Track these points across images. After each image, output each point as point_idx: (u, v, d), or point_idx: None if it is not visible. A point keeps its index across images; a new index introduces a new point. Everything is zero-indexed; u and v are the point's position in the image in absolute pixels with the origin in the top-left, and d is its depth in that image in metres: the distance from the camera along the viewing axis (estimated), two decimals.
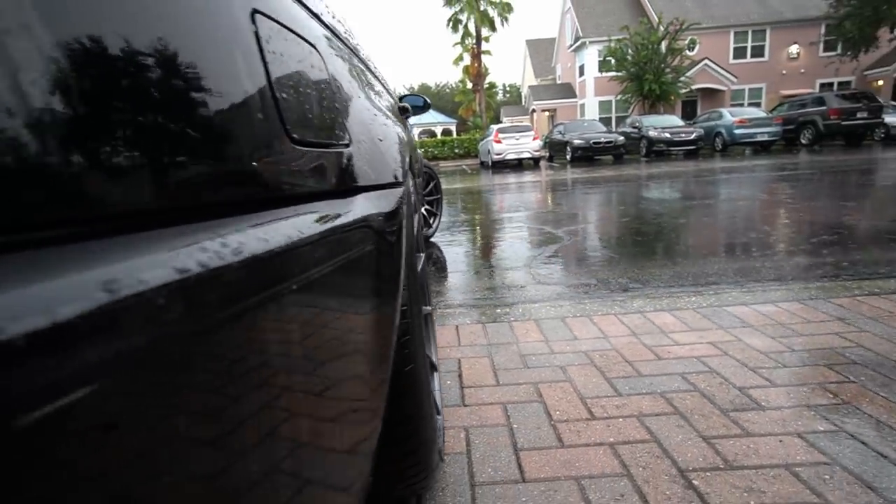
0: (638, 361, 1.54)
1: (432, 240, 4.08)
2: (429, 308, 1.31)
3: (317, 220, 0.48)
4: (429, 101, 2.91)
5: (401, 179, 0.74)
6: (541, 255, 3.24)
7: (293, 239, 0.40)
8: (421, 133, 29.28)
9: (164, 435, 0.25)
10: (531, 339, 1.78)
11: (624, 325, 1.85)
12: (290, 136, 0.48)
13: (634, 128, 14.54)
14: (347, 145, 0.64)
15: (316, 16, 0.66)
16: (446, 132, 29.11)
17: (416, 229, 1.12)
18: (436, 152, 21.85)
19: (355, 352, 0.52)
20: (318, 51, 0.63)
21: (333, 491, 0.50)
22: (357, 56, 0.94)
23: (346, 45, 0.86)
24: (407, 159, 0.88)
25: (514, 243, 3.81)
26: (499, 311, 2.12)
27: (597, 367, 1.52)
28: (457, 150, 21.95)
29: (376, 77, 1.19)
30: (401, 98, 2.85)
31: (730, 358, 1.53)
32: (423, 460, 0.78)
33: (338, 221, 0.51)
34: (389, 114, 0.98)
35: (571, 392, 1.38)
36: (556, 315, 2.01)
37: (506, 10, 24.95)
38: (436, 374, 1.23)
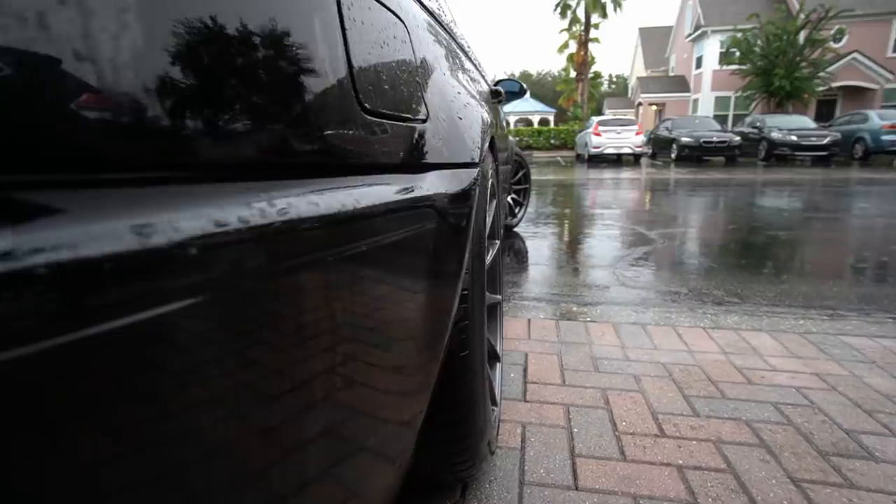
0: (724, 382, 1.40)
1: (516, 230, 4.01)
2: (498, 297, 1.28)
3: (379, 192, 0.47)
4: (525, 86, 2.83)
5: (476, 161, 0.72)
6: (628, 257, 3.05)
7: (346, 208, 0.39)
8: (517, 121, 28.81)
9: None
10: (606, 342, 1.69)
11: (712, 341, 1.69)
12: (362, 105, 0.47)
13: (754, 128, 13.12)
14: (424, 120, 0.63)
15: None
16: (543, 122, 28.38)
17: (492, 215, 1.09)
18: (531, 142, 21.40)
19: (405, 328, 0.52)
20: (403, 23, 0.63)
21: (374, 459, 0.51)
22: (448, 33, 0.93)
23: (436, 20, 0.85)
24: (487, 142, 0.85)
25: (601, 241, 3.63)
26: (575, 309, 2.03)
27: (675, 381, 1.41)
28: (553, 141, 21.33)
29: (468, 57, 1.17)
30: (496, 82, 2.80)
31: (839, 394, 1.33)
32: (471, 448, 0.76)
33: (400, 196, 0.50)
34: (475, 94, 0.96)
35: (642, 404, 1.28)
36: (636, 321, 1.88)
37: None
38: (498, 365, 1.21)
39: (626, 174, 9.86)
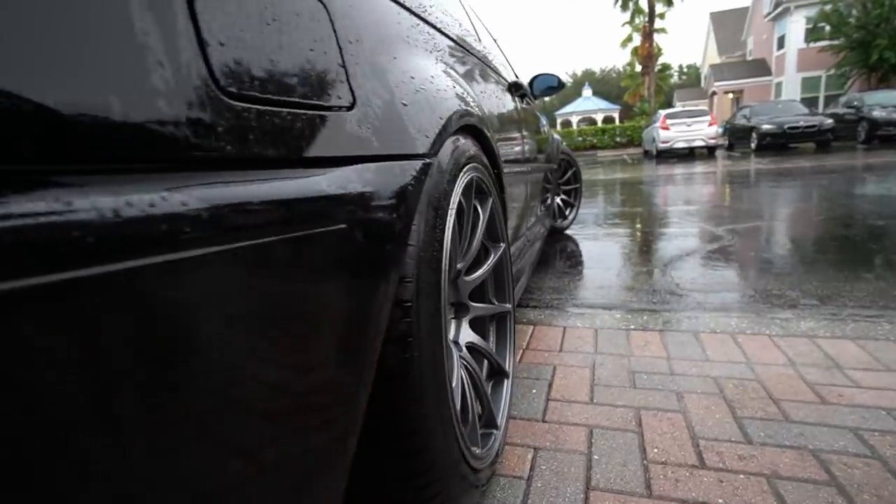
0: (789, 401, 1.17)
1: (567, 232, 3.81)
2: (507, 307, 1.16)
3: (240, 190, 0.40)
4: (563, 80, 2.66)
5: (421, 152, 0.63)
6: (689, 257, 2.77)
7: (184, 208, 0.32)
8: (580, 121, 27.93)
9: None
10: (648, 353, 1.50)
11: (780, 352, 1.44)
12: (223, 89, 0.40)
13: (851, 107, 11.69)
14: (348, 107, 0.55)
15: None
16: (608, 119, 27.27)
17: (486, 215, 0.98)
18: (594, 140, 20.65)
19: (292, 349, 0.44)
20: (321, 2, 0.55)
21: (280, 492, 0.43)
22: (417, 17, 0.84)
23: (397, 3, 0.77)
24: (452, 130, 0.75)
25: (660, 241, 3.34)
26: (618, 315, 1.84)
27: (726, 399, 1.20)
28: (618, 139, 20.42)
29: (459, 43, 1.08)
30: (532, 79, 2.66)
31: None
32: (435, 484, 0.66)
33: (274, 194, 0.42)
34: (452, 81, 0.86)
35: (682, 427, 1.10)
36: (687, 328, 1.67)
37: None
38: (506, 382, 1.09)
39: (698, 168, 9.15)
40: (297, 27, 0.50)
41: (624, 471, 0.96)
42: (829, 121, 11.26)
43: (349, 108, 0.55)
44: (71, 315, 0.26)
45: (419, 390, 0.60)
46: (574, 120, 28.25)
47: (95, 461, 0.28)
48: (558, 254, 3.13)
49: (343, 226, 0.48)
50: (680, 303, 1.98)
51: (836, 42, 15.72)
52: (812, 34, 17.35)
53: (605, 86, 43.39)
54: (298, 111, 0.48)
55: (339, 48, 0.56)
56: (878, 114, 10.75)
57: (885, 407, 1.12)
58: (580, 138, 21.00)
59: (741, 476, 0.93)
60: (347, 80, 0.57)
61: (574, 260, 2.97)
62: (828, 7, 15.68)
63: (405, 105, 0.64)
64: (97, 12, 0.31)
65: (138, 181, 0.33)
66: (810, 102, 17.68)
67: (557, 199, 3.67)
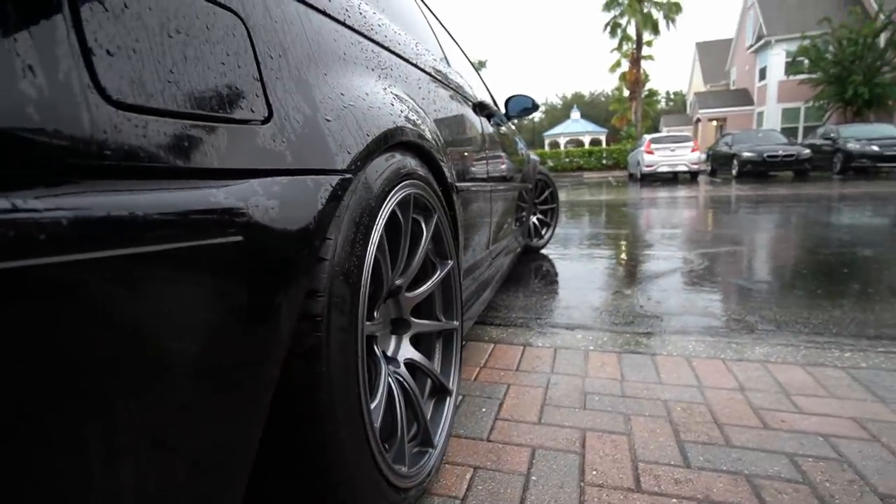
0: (733, 426, 1.18)
1: (544, 251, 3.83)
2: (455, 324, 1.16)
3: (127, 200, 0.40)
4: (537, 102, 2.71)
5: (340, 168, 0.63)
6: (659, 279, 2.80)
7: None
8: (567, 142, 28.37)
9: None
10: (604, 374, 1.50)
11: (731, 376, 1.46)
12: (108, 97, 0.40)
13: (828, 139, 12.07)
14: (262, 121, 0.55)
15: None
16: (595, 142, 27.75)
17: (430, 232, 0.99)
18: (581, 162, 20.96)
19: (185, 355, 0.43)
20: (237, 15, 0.56)
21: None
22: (360, 34, 0.86)
23: (333, 19, 0.78)
24: (383, 147, 0.76)
25: (634, 263, 3.38)
26: (579, 336, 1.85)
27: (672, 422, 1.21)
28: (605, 161, 20.76)
29: (411, 62, 1.10)
30: (508, 99, 2.71)
31: (882, 447, 1.08)
32: (352, 499, 0.65)
33: (163, 204, 0.42)
34: (392, 99, 0.87)
35: (624, 449, 1.10)
36: (645, 350, 1.68)
37: (673, 10, 22.97)
38: (448, 400, 1.08)
39: (681, 192, 9.32)
40: (206, 40, 0.51)
41: (559, 493, 0.96)
42: (807, 151, 11.59)
43: (263, 122, 0.56)
44: None
45: (329, 405, 0.59)
46: (562, 141, 28.71)
47: None
48: (532, 272, 3.15)
49: (239, 238, 0.48)
50: (642, 325, 2.00)
51: (814, 76, 16.27)
52: (792, 67, 17.94)
53: (593, 109, 44.23)
54: (199, 122, 0.48)
55: (257, 62, 0.57)
56: (852, 146, 11.11)
57: (823, 433, 1.14)
58: (567, 159, 21.31)
59: (674, 500, 0.93)
60: (265, 93, 0.57)
61: (547, 279, 2.98)
62: (806, 42, 16.26)
63: (328, 120, 0.64)
64: None
65: (7, 187, 0.33)
66: (790, 132, 18.21)
67: (534, 218, 3.71)
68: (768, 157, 11.56)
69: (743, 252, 3.63)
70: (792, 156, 11.47)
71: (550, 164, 20.63)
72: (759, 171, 11.88)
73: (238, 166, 0.51)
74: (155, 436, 0.41)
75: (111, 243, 0.38)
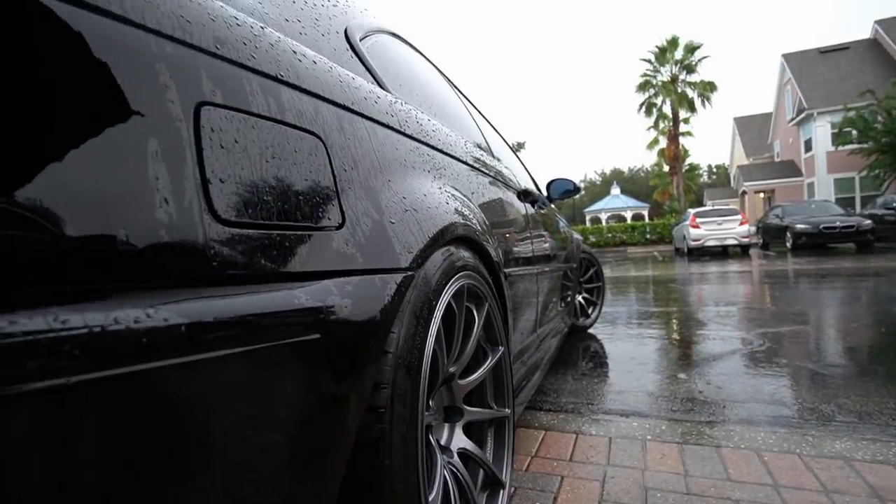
0: None
1: (592, 331, 3.74)
2: (506, 412, 1.15)
3: (224, 304, 0.46)
4: (579, 185, 2.79)
5: (402, 266, 0.69)
6: (717, 362, 2.65)
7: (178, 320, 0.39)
8: (609, 217, 28.38)
9: None
10: (665, 467, 1.41)
11: (811, 474, 1.33)
12: (218, 217, 0.48)
13: (890, 209, 11.52)
14: (337, 227, 0.62)
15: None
16: (637, 217, 27.60)
17: (481, 320, 1.02)
18: (624, 237, 20.76)
19: (261, 451, 0.46)
20: (319, 138, 0.65)
21: None
22: (420, 142, 0.95)
23: (401, 133, 0.88)
24: (441, 244, 0.82)
25: (688, 344, 3.22)
26: (634, 423, 1.75)
27: None
28: (648, 236, 20.48)
29: (462, 161, 1.19)
30: (549, 183, 2.81)
31: None
32: None
33: (256, 307, 0.48)
34: (447, 197, 0.95)
35: None
36: (708, 441, 1.57)
37: (708, 89, 23.54)
38: (501, 493, 1.04)
39: (732, 267, 8.98)
40: (294, 161, 0.59)
41: None
42: (868, 221, 11.04)
43: (338, 228, 0.63)
44: (66, 414, 0.32)
45: (391, 499, 0.60)
46: (603, 217, 28.73)
47: None
48: (580, 353, 3.06)
49: (317, 335, 0.53)
50: (703, 412, 1.88)
51: (864, 146, 15.88)
52: (839, 138, 17.63)
53: (633, 184, 44.51)
54: (288, 232, 0.55)
55: (334, 176, 0.65)
56: None
57: None
58: (610, 234, 21.19)
59: None
60: (339, 202, 0.65)
61: (596, 361, 2.89)
62: (851, 113, 16.07)
63: (392, 223, 0.71)
64: (121, 162, 0.39)
65: (130, 299, 0.39)
66: (846, 202, 17.50)
67: (579, 297, 3.66)
68: (825, 228, 11.08)
69: (809, 332, 3.40)
70: (851, 226, 10.94)
71: (592, 239, 20.56)
72: (817, 243, 11.35)
73: (316, 268, 0.57)
74: None
75: (207, 344, 0.43)
